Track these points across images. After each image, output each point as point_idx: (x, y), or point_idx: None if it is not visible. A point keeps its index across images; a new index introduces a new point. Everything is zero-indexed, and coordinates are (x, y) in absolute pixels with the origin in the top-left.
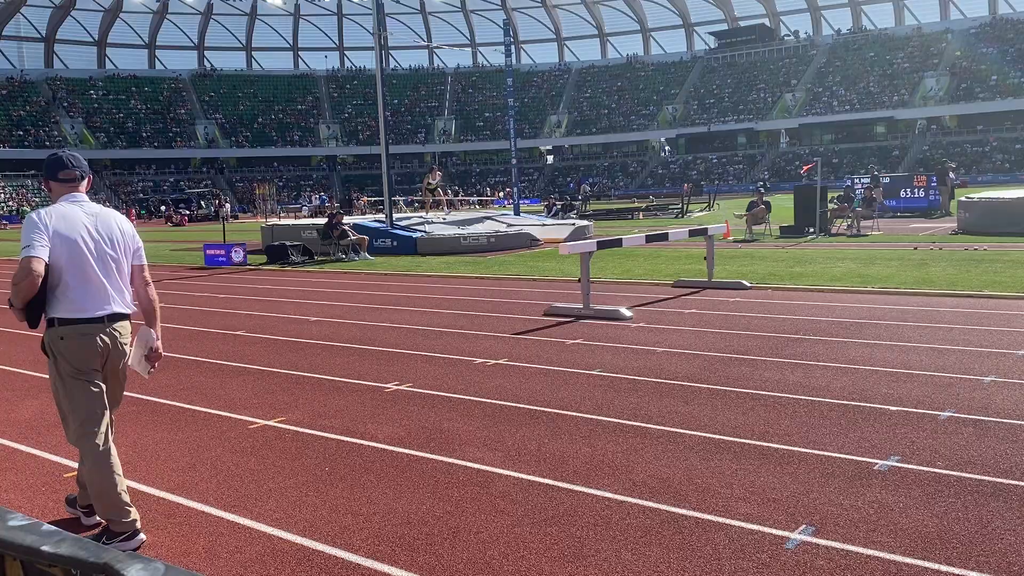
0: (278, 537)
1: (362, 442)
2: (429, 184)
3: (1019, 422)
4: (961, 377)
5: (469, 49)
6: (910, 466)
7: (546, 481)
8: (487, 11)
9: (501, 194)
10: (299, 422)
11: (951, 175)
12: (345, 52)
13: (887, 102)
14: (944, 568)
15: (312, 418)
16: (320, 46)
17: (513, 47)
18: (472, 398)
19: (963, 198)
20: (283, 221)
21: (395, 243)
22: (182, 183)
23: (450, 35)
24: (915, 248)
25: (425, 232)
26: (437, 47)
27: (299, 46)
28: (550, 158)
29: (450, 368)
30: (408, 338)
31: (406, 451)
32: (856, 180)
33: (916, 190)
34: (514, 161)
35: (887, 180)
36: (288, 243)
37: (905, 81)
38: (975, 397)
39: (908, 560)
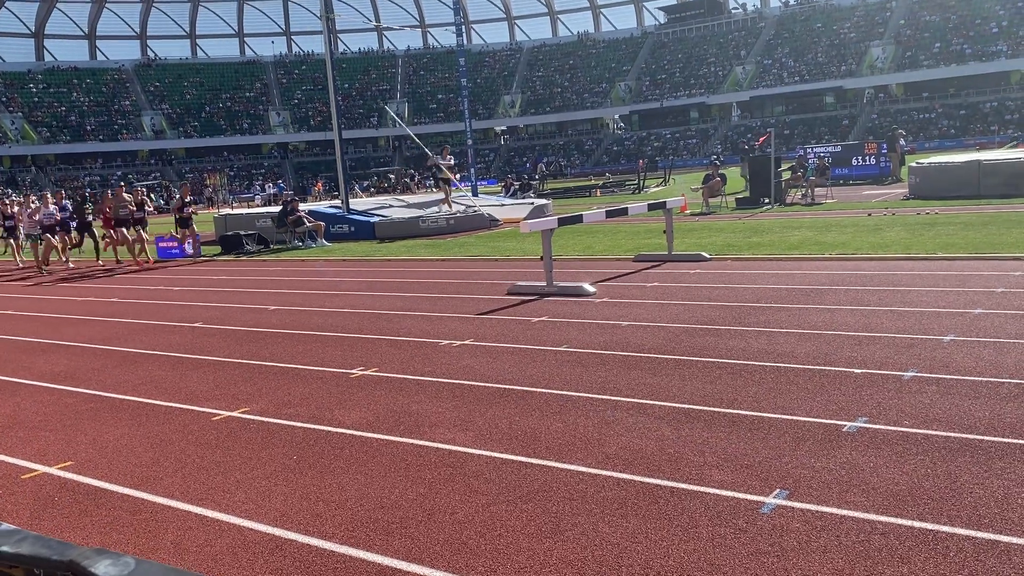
0: (249, 528)
1: (330, 429)
2: (440, 166)
3: (980, 379)
4: (921, 338)
5: (419, 31)
6: (878, 426)
7: (519, 459)
8: None
9: (457, 176)
10: (263, 412)
11: (901, 142)
12: (292, 37)
13: (835, 72)
14: (917, 524)
15: (277, 407)
16: (267, 32)
17: (463, 27)
18: (440, 380)
19: (913, 164)
20: (236, 211)
21: (352, 229)
22: (130, 176)
23: (399, 17)
24: (869, 214)
25: (383, 216)
26: (387, 29)
27: (245, 32)
28: (505, 138)
29: (416, 351)
30: (371, 323)
31: (376, 435)
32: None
33: (867, 157)
34: (469, 142)
35: (837, 148)
36: (243, 232)
37: (852, 51)
38: (936, 356)
39: (882, 518)
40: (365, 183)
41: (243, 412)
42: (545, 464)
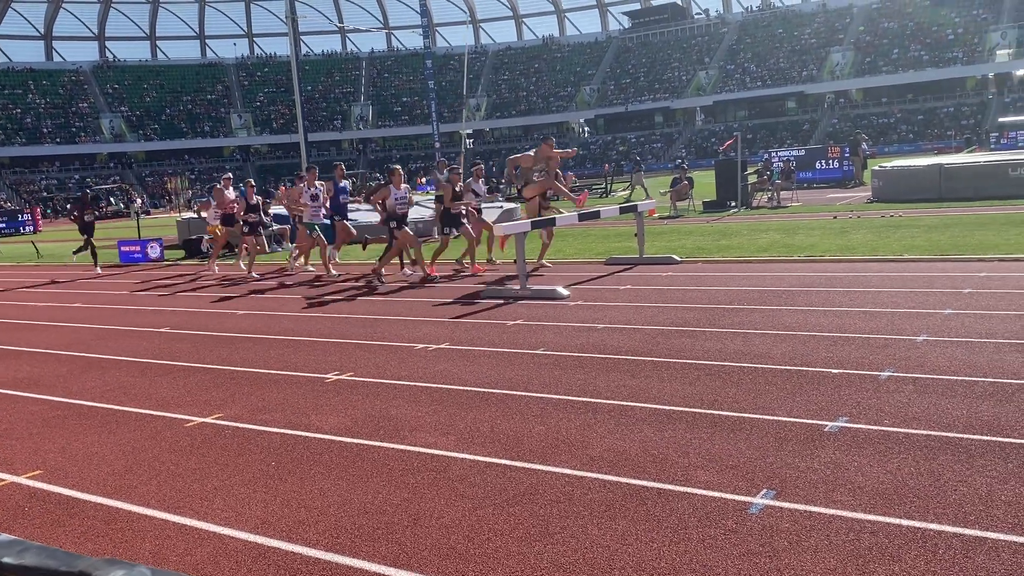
0: (229, 536)
1: (307, 434)
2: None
3: (955, 377)
4: (895, 338)
5: (384, 33)
6: (859, 426)
7: (503, 462)
8: None
9: (424, 179)
10: (238, 417)
11: (863, 146)
12: (254, 39)
13: (797, 77)
14: (905, 523)
15: (251, 413)
16: (228, 33)
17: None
18: (417, 384)
19: (876, 168)
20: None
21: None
22: (88, 179)
23: (363, 19)
24: (835, 217)
25: (349, 221)
26: (352, 31)
27: (206, 34)
28: (470, 142)
29: (391, 355)
30: (343, 327)
31: (355, 440)
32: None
33: (831, 161)
34: (437, 145)
35: (801, 152)
36: (206, 237)
37: (813, 57)
38: (911, 356)
39: (870, 517)
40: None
41: (217, 418)
42: (530, 467)
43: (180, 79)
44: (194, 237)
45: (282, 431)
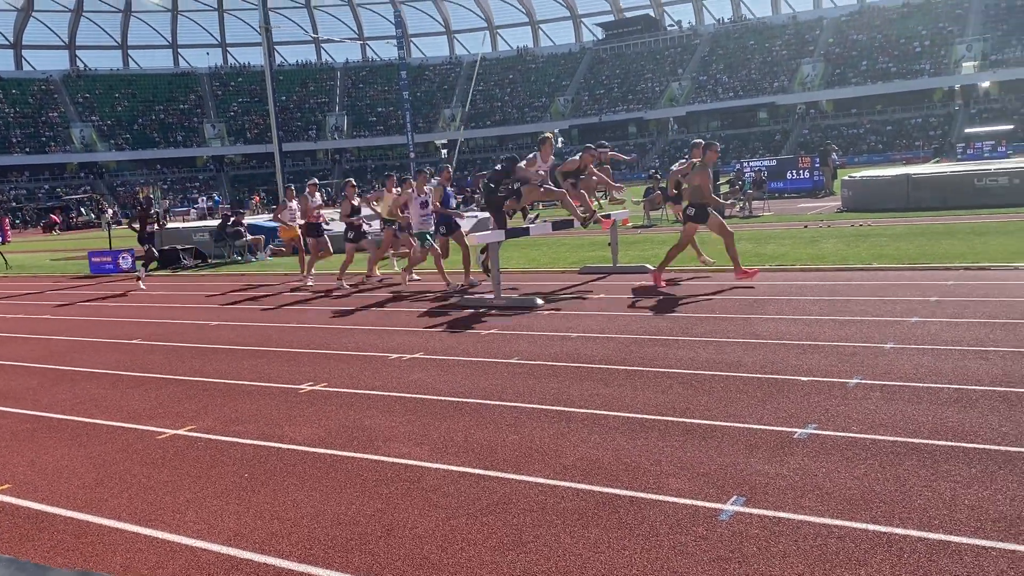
0: (202, 548)
1: (281, 445)
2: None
3: (921, 384)
4: (864, 346)
5: (358, 43)
6: (827, 432)
7: (477, 471)
8: (374, 5)
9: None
10: (211, 429)
11: (833, 156)
12: (228, 49)
13: (768, 88)
14: (871, 527)
15: (224, 424)
16: (201, 43)
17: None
18: (391, 394)
19: (845, 177)
20: (172, 224)
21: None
22: (59, 189)
23: (337, 29)
24: (805, 226)
25: (325, 229)
26: (326, 41)
27: (179, 43)
28: (445, 152)
29: (365, 365)
30: (317, 337)
31: (329, 451)
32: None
33: (801, 171)
34: (412, 155)
35: (773, 162)
36: (179, 247)
37: (784, 68)
38: (879, 363)
39: (838, 522)
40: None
41: (189, 430)
42: (503, 476)
43: (152, 88)
44: (167, 248)
45: (255, 442)
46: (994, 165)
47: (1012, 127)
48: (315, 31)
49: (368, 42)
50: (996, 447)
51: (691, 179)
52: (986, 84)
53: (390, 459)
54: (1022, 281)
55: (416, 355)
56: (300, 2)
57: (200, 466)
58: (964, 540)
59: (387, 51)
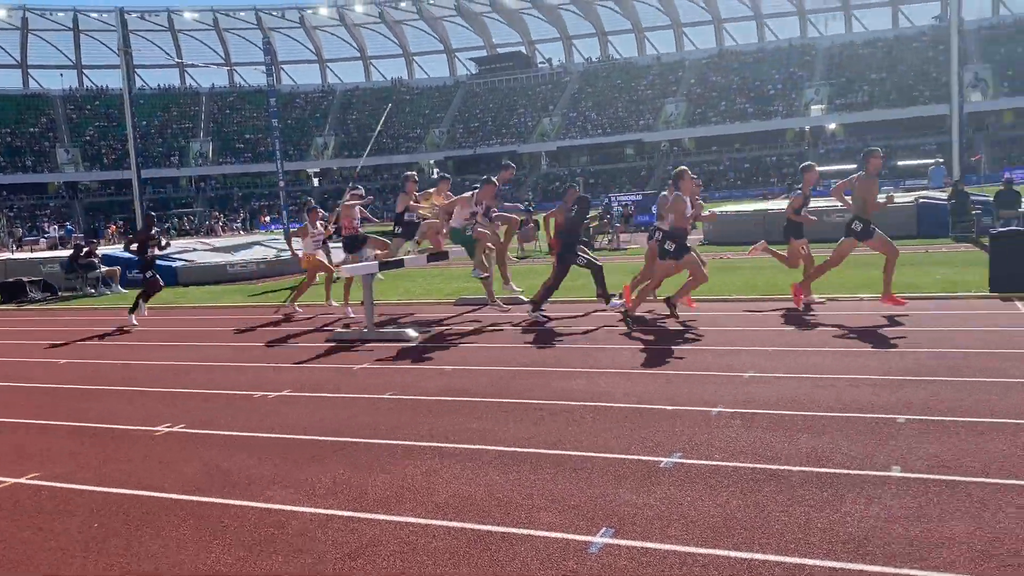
0: None
1: (135, 492)
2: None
3: (779, 412)
4: (725, 375)
5: (225, 69)
6: (692, 461)
7: (346, 513)
8: (243, 30)
9: (267, 218)
10: (57, 477)
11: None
12: (84, 70)
13: (635, 126)
14: (733, 554)
15: (73, 471)
16: (54, 64)
17: (273, 67)
18: (256, 434)
19: (706, 212)
20: (18, 255)
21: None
22: None
23: (203, 54)
24: None
25: (186, 261)
26: (190, 65)
27: (29, 63)
28: (317, 180)
29: (228, 404)
30: (176, 376)
31: (187, 497)
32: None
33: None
34: (282, 183)
35: (639, 197)
36: (26, 279)
37: (649, 107)
38: (739, 392)
39: (701, 550)
40: (164, 225)
41: (32, 478)
42: (373, 518)
43: None
44: (11, 280)
45: (106, 490)
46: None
47: (855, 166)
48: (179, 55)
49: (236, 68)
50: (845, 471)
51: (857, 191)
52: (832, 126)
53: (254, 504)
54: (866, 312)
55: (283, 392)
56: (163, 25)
57: (44, 517)
58: (817, 562)
59: (256, 77)
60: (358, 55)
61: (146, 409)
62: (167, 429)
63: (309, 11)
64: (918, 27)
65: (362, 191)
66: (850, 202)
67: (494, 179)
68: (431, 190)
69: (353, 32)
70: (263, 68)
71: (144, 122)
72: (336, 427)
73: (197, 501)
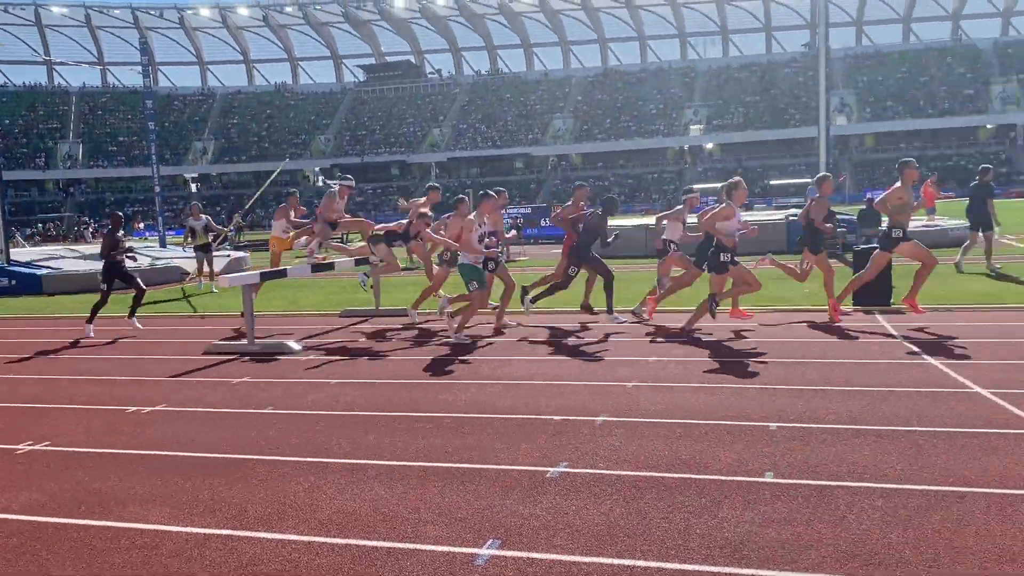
0: None
1: None
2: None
3: (661, 420)
4: (610, 384)
5: (97, 68)
6: (577, 470)
7: (225, 532)
8: (118, 28)
9: (142, 225)
10: None
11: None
12: None
13: (523, 140)
14: (616, 562)
15: None
16: None
17: (150, 68)
18: (128, 451)
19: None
20: None
21: (13, 282)
22: None
23: (73, 52)
24: None
25: (52, 268)
26: (59, 64)
27: None
28: (195, 186)
29: (98, 420)
30: (39, 390)
31: (51, 519)
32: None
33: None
34: (157, 189)
35: (528, 210)
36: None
37: (538, 121)
38: (623, 401)
39: (586, 559)
40: (28, 230)
41: None
42: (254, 536)
43: None
44: None
45: None
46: None
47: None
48: (47, 52)
49: (109, 67)
50: (722, 477)
51: (893, 199)
52: (710, 145)
53: (125, 525)
54: (724, 323)
55: (158, 407)
56: (29, 19)
57: None
58: (696, 567)
59: (132, 78)
60: (241, 58)
61: (7, 426)
62: (29, 447)
63: (189, 11)
64: (790, 53)
65: (352, 182)
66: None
67: (492, 192)
68: (420, 199)
69: (236, 35)
70: (139, 69)
71: (7, 121)
72: (214, 443)
73: (62, 523)
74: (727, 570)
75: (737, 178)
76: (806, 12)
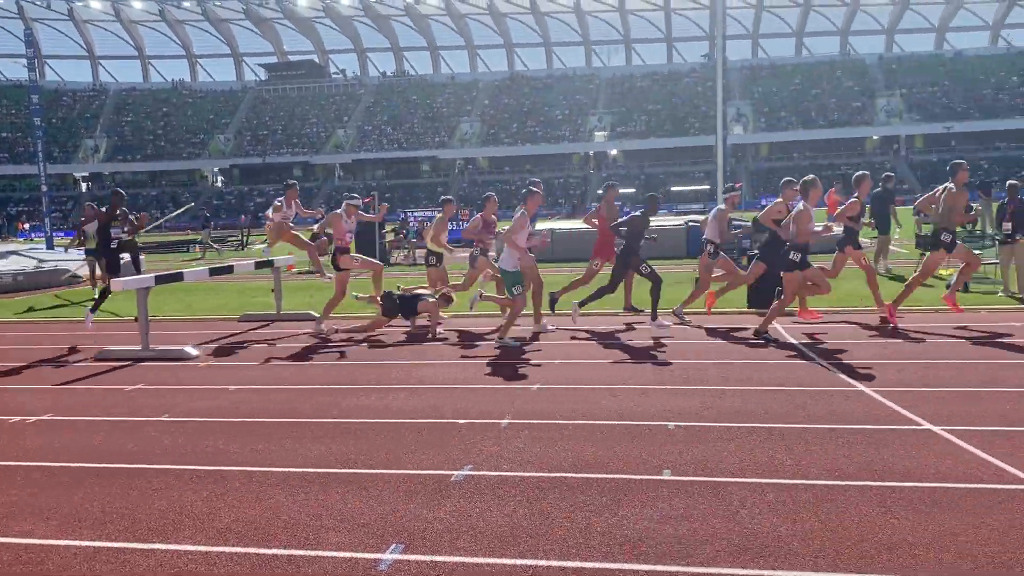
0: None
1: None
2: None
3: (562, 421)
4: (515, 387)
5: None
6: (481, 473)
7: (116, 545)
8: (0, 19)
9: (27, 225)
10: None
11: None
12: None
13: (430, 142)
14: (518, 562)
15: None
16: None
17: (36, 61)
18: (12, 463)
19: (499, 231)
20: None
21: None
22: None
23: None
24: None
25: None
26: None
27: None
28: (86, 185)
29: None
30: None
31: None
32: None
33: (462, 223)
34: (44, 188)
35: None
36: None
37: (445, 124)
38: (526, 404)
39: (489, 560)
40: None
41: None
42: (147, 548)
43: None
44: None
45: None
46: None
47: (634, 190)
48: None
49: None
50: (622, 476)
51: (945, 203)
52: (614, 152)
53: (8, 540)
54: (636, 325)
55: (44, 416)
56: None
57: None
58: (596, 565)
59: (16, 71)
60: (135, 54)
61: None
62: None
63: (79, 3)
64: (690, 63)
65: (359, 201)
66: (938, 213)
67: (533, 187)
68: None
69: (130, 29)
70: (24, 61)
71: None
72: (106, 452)
73: None
74: (626, 567)
75: (812, 176)
76: (705, 24)
